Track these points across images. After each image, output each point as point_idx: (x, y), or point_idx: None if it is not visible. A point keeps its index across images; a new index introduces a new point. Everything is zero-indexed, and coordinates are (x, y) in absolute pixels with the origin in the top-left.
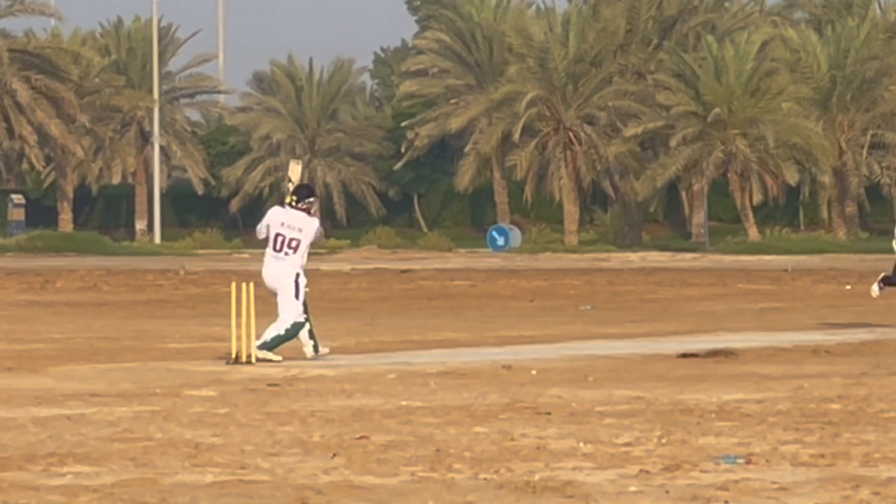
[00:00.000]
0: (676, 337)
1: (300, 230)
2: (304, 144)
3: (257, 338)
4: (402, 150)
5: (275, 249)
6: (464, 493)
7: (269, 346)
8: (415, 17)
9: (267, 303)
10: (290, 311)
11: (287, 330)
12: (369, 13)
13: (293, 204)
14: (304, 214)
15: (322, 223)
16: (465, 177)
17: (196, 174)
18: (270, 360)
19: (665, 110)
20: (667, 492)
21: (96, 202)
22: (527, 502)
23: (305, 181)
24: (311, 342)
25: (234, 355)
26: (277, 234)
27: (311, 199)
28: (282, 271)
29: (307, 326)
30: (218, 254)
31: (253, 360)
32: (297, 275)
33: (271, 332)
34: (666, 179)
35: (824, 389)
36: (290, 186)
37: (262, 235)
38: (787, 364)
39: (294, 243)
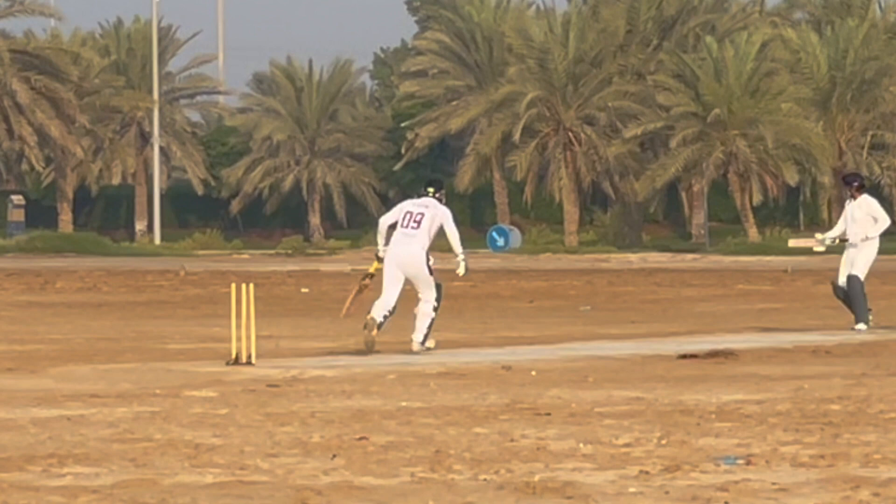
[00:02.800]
0: (676, 338)
1: (426, 207)
2: (304, 145)
3: (401, 330)
4: (402, 150)
5: (402, 226)
6: (464, 493)
7: (427, 333)
8: (415, 18)
9: (268, 304)
10: (431, 288)
11: (434, 308)
12: (369, 13)
13: (425, 194)
14: (435, 201)
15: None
16: (465, 177)
17: (196, 175)
18: (431, 350)
19: (665, 111)
20: (667, 493)
21: (96, 203)
22: (527, 503)
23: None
24: (382, 319)
25: (233, 356)
26: (407, 212)
27: (443, 191)
28: (412, 253)
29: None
30: (218, 254)
31: (417, 348)
32: (427, 255)
33: (423, 320)
34: (666, 180)
35: (824, 390)
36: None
37: (389, 221)
38: (787, 365)
39: (419, 216)
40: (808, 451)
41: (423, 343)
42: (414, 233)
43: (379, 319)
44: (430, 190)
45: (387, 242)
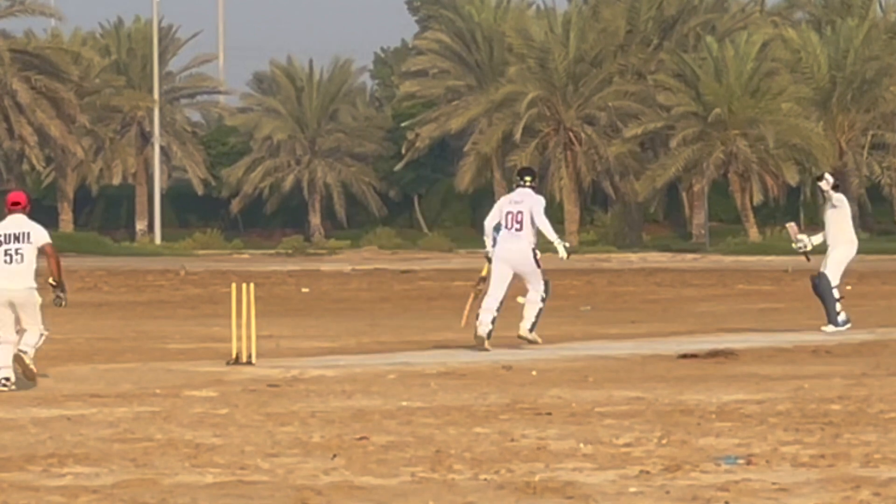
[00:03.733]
0: (676, 337)
1: (521, 202)
2: (304, 145)
3: (510, 319)
4: (403, 150)
5: (507, 227)
6: (464, 493)
7: (535, 323)
8: (415, 18)
9: (268, 304)
10: (539, 281)
11: (542, 300)
12: (369, 13)
13: (521, 185)
14: (529, 191)
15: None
16: (465, 177)
17: (196, 175)
18: (536, 343)
19: (665, 111)
20: (667, 492)
21: (96, 203)
22: (527, 503)
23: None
24: (490, 326)
25: (234, 356)
26: (507, 213)
27: (536, 179)
28: (519, 250)
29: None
30: (218, 254)
31: (526, 336)
32: (534, 249)
33: (530, 309)
34: (666, 180)
35: (824, 390)
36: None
37: (493, 222)
38: (787, 365)
39: (519, 216)
40: (809, 450)
41: (530, 330)
42: (519, 234)
43: (485, 332)
44: (528, 179)
45: (494, 244)
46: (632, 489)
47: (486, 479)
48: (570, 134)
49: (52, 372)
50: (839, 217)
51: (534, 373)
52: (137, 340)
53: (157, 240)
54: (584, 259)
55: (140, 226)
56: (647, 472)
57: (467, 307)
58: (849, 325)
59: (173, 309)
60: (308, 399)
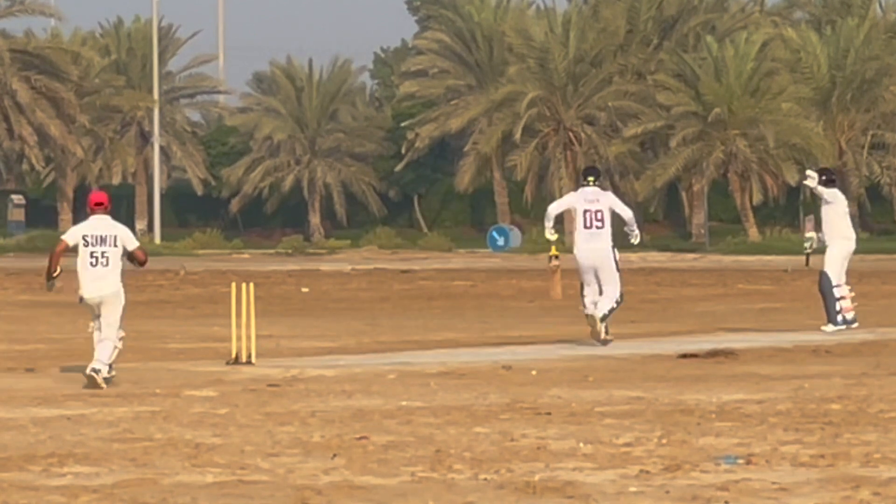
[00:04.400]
0: (676, 337)
1: (598, 201)
2: (304, 145)
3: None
4: (403, 150)
5: (585, 227)
6: (464, 493)
7: (608, 316)
8: (415, 18)
9: (268, 303)
10: (616, 283)
11: (617, 301)
12: (369, 13)
13: (587, 184)
14: (597, 189)
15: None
16: (465, 177)
17: (196, 174)
18: (607, 339)
19: (665, 110)
20: (667, 492)
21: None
22: (527, 503)
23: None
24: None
25: (233, 356)
26: (585, 211)
27: (599, 178)
28: (601, 249)
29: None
30: (218, 254)
31: (601, 330)
32: (613, 248)
33: (606, 303)
34: (666, 179)
35: (824, 390)
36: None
37: (558, 210)
38: (787, 364)
39: (599, 214)
40: (809, 450)
41: (602, 320)
42: (600, 232)
43: (601, 313)
44: (591, 179)
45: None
46: (632, 489)
47: (486, 479)
48: (570, 134)
49: (52, 372)
50: (832, 213)
51: (534, 373)
52: (137, 340)
53: (157, 240)
54: None
55: (140, 226)
56: (647, 472)
57: (555, 281)
58: (856, 325)
59: (173, 309)
60: (308, 399)
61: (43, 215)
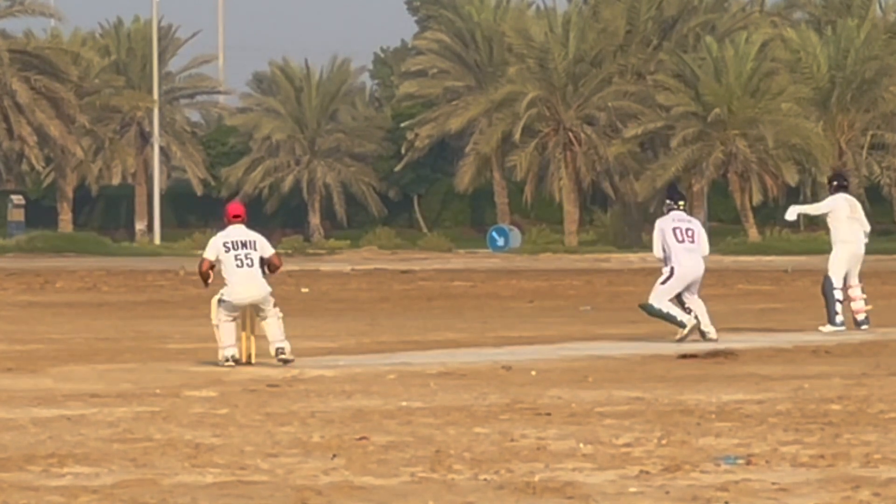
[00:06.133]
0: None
1: (690, 221)
2: (303, 145)
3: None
4: (402, 150)
5: (679, 241)
6: (464, 493)
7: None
8: (415, 18)
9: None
10: (699, 304)
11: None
12: (369, 13)
13: (676, 208)
14: (684, 214)
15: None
16: (464, 177)
17: (196, 175)
18: (713, 339)
19: (665, 111)
20: (667, 492)
21: (96, 203)
22: (527, 503)
23: None
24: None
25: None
26: (676, 228)
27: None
28: (697, 264)
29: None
30: None
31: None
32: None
33: (703, 309)
34: (666, 180)
35: (824, 390)
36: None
37: (659, 248)
38: (787, 365)
39: (690, 232)
40: (808, 451)
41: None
42: (693, 246)
43: (692, 321)
44: (681, 203)
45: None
46: (632, 489)
47: (485, 479)
48: (570, 134)
49: (52, 372)
50: (833, 219)
51: (533, 373)
52: (137, 340)
53: (157, 240)
54: (584, 259)
55: (139, 226)
56: (647, 472)
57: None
58: (865, 327)
59: (173, 309)
60: (308, 399)
61: (43, 216)
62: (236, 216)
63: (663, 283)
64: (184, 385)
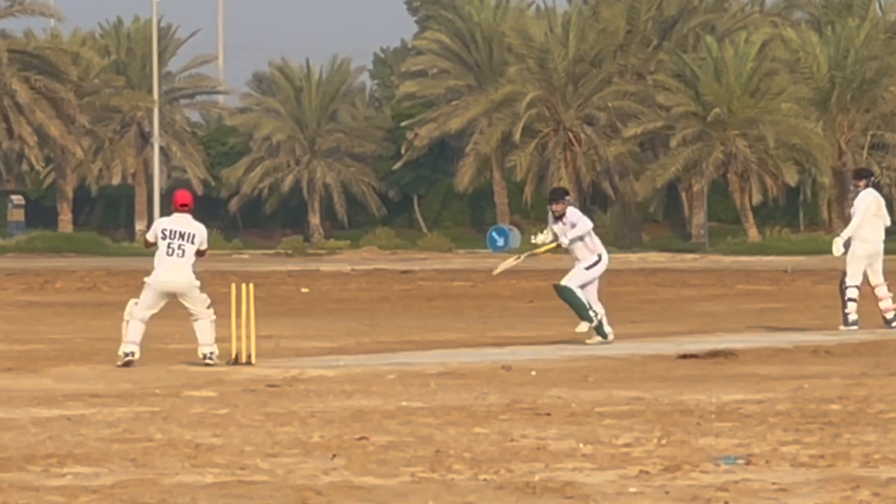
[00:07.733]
0: (676, 337)
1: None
2: (303, 145)
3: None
4: (402, 150)
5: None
6: (464, 493)
7: None
8: (414, 18)
9: (267, 303)
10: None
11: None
12: (369, 13)
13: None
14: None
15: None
16: (464, 177)
17: (196, 175)
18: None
19: (665, 111)
20: (667, 492)
21: (96, 203)
22: (527, 503)
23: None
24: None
25: (233, 356)
26: None
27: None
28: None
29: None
30: (217, 254)
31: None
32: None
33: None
34: (666, 180)
35: (824, 390)
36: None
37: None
38: (787, 365)
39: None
40: (808, 451)
41: None
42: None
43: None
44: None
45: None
46: (631, 489)
47: (485, 479)
48: (570, 134)
49: (52, 372)
50: (854, 218)
51: (533, 373)
52: None
53: None
54: None
55: (139, 226)
56: (647, 472)
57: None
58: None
59: (173, 309)
60: (308, 399)
61: (42, 216)
62: (183, 205)
63: (587, 268)
64: (184, 385)
